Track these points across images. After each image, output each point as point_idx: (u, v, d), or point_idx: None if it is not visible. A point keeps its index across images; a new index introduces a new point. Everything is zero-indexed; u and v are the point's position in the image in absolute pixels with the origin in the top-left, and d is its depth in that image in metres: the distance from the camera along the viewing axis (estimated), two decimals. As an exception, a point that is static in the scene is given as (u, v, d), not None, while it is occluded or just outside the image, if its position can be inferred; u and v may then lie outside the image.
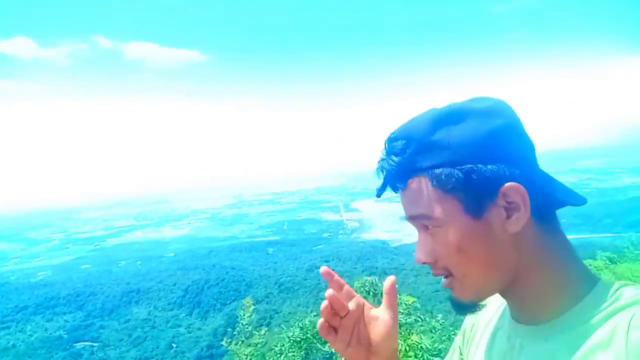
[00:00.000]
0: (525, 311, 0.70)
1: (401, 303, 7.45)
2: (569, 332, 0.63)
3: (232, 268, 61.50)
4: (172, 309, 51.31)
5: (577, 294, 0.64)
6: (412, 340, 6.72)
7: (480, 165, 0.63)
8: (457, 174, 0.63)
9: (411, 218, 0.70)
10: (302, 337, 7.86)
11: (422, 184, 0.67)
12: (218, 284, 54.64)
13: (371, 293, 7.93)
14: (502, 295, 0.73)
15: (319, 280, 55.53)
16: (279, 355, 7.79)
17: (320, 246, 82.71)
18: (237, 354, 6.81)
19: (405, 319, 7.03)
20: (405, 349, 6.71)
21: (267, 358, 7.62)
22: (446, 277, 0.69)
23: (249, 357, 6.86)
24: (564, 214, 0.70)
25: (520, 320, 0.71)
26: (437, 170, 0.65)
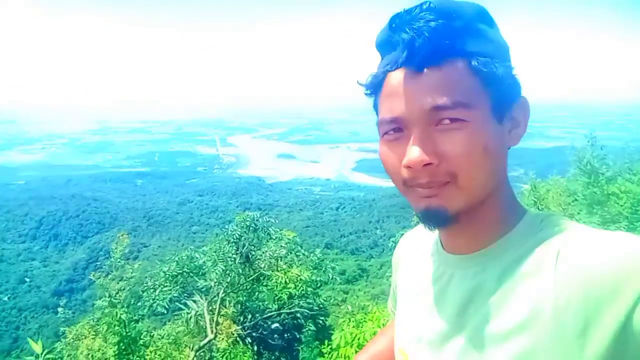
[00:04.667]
0: (461, 240, 0.68)
1: (282, 238, 7.65)
2: (498, 261, 0.63)
3: (95, 199, 57.64)
4: (23, 242, 46.97)
5: (509, 224, 0.65)
6: (292, 273, 7.01)
7: (515, 70, 0.63)
8: (503, 68, 0.60)
9: (435, 108, 0.58)
10: (178, 271, 7.72)
11: (461, 68, 0.59)
12: (78, 215, 51.11)
13: (251, 228, 8.00)
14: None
15: (191, 214, 54.82)
16: (152, 291, 7.59)
17: (194, 180, 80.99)
18: (106, 289, 6.46)
19: (287, 254, 7.27)
20: (286, 281, 6.99)
21: (141, 293, 7.36)
22: (441, 185, 0.60)
23: (118, 293, 6.55)
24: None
25: (452, 250, 0.71)
26: (483, 59, 0.59)
